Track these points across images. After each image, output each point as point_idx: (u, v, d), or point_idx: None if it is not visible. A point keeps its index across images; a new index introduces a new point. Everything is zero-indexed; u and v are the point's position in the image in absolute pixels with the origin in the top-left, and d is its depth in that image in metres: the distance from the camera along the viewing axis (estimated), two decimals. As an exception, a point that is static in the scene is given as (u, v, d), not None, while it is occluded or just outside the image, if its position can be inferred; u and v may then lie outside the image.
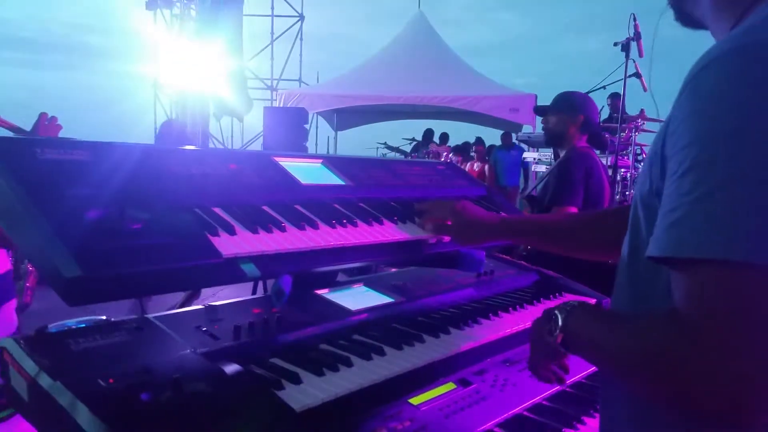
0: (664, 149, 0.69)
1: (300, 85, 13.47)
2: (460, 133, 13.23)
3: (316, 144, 13.64)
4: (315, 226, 1.17)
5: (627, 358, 0.69)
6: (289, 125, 9.44)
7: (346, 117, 13.66)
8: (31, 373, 0.79)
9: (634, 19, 4.85)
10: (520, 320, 1.35)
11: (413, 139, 12.14)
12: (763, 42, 0.63)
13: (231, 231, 1.02)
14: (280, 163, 1.35)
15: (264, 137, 10.18)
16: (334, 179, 1.43)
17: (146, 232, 0.90)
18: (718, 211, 0.58)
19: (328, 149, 13.67)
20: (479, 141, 11.29)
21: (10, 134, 2.01)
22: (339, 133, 14.16)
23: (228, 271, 0.97)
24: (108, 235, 0.85)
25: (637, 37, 4.90)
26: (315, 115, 12.33)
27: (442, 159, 9.22)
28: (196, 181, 1.14)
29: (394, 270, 1.57)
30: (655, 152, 0.73)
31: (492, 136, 12.11)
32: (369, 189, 1.46)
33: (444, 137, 11.68)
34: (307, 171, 1.39)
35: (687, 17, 0.87)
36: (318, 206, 1.26)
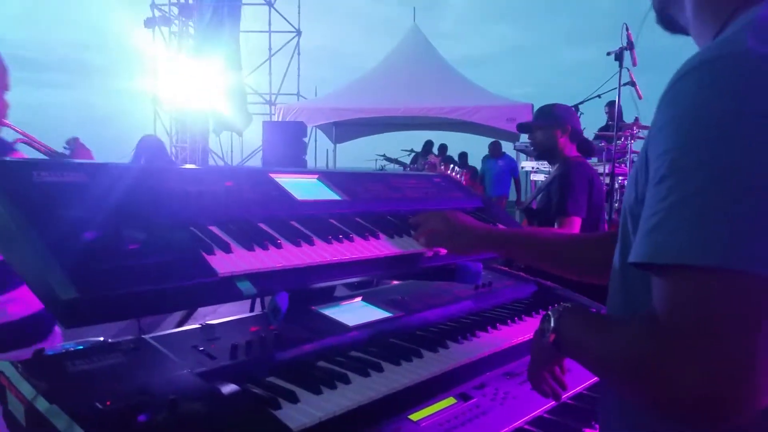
0: (647, 155, 0.71)
1: (298, 99, 13.54)
2: (459, 143, 13.28)
3: (315, 157, 13.70)
4: (311, 242, 1.17)
5: (608, 361, 0.71)
6: (288, 139, 9.48)
7: (344, 130, 13.71)
8: (28, 397, 0.79)
9: (627, 29, 4.88)
10: (518, 332, 1.35)
11: (412, 151, 12.17)
12: (736, 54, 0.64)
13: (227, 249, 1.03)
14: (276, 179, 1.36)
15: (263, 152, 10.21)
16: (329, 194, 1.43)
17: (142, 253, 0.90)
18: (691, 217, 0.60)
19: (327, 162, 13.71)
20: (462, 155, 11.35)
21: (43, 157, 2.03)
22: (338, 145, 14.20)
23: (224, 290, 0.97)
24: (104, 256, 0.85)
25: (630, 46, 4.93)
26: (313, 128, 12.38)
27: (441, 170, 9.22)
28: (192, 199, 1.14)
29: (392, 284, 1.57)
30: (641, 159, 0.74)
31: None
32: (365, 203, 1.46)
33: (442, 149, 11.71)
34: (303, 187, 1.39)
35: (669, 22, 0.88)
36: (314, 222, 1.27)
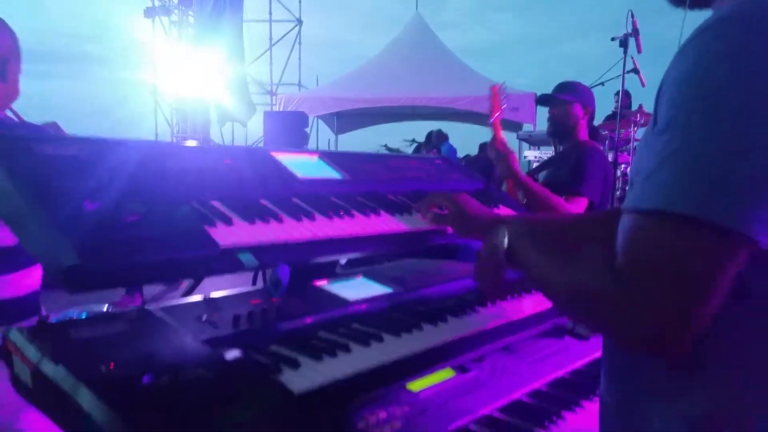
0: (655, 116, 0.71)
1: (299, 89, 13.51)
2: (461, 134, 13.25)
3: (317, 147, 13.67)
4: (312, 218, 1.18)
5: (560, 289, 0.77)
6: (290, 129, 9.48)
7: (346, 120, 13.69)
8: (34, 360, 0.81)
9: (632, 16, 4.85)
10: (518, 308, 1.36)
11: (414, 141, 12.17)
12: (753, 14, 0.64)
13: (228, 222, 1.04)
14: (277, 157, 1.37)
15: (264, 142, 10.21)
16: (330, 173, 1.44)
17: (144, 224, 0.91)
18: (676, 169, 0.63)
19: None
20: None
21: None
22: (339, 136, 14.19)
23: (225, 262, 0.98)
24: (106, 226, 0.86)
25: (635, 33, 4.90)
26: (315, 118, 12.36)
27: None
28: (194, 175, 1.15)
29: (392, 263, 1.58)
30: (650, 122, 0.75)
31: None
32: (366, 182, 1.47)
33: (439, 136, 11.63)
34: (304, 165, 1.40)
35: None
36: (315, 199, 1.28)
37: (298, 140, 9.47)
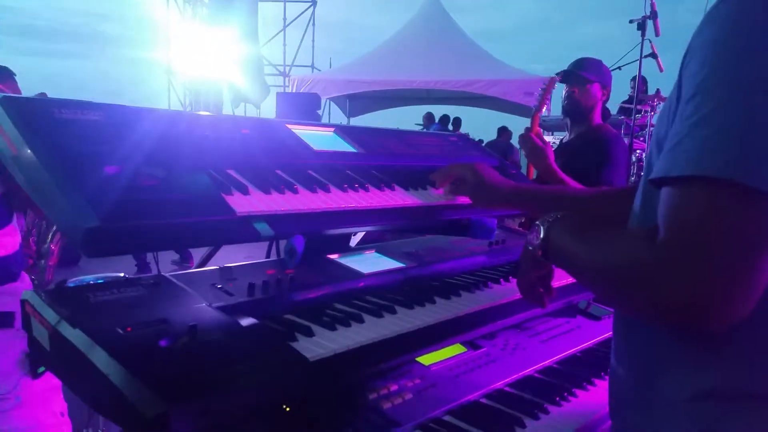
0: (680, 82, 0.70)
1: (312, 71, 13.46)
2: (475, 118, 13.15)
3: (330, 130, 13.63)
4: (327, 190, 1.18)
5: (596, 268, 0.73)
6: (302, 111, 9.44)
7: (359, 103, 13.63)
8: (52, 323, 0.82)
9: (651, -3, 4.77)
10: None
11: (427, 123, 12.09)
12: None
13: (244, 191, 1.04)
14: (293, 130, 1.36)
15: (277, 123, 10.19)
16: (346, 147, 1.43)
17: (162, 189, 0.91)
18: (709, 132, 0.60)
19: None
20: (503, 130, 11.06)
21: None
22: (352, 119, 14.14)
23: (241, 229, 0.98)
24: (125, 189, 0.87)
25: (654, 16, 4.83)
26: (327, 101, 12.31)
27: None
28: (211, 144, 1.15)
29: (405, 239, 1.58)
30: (674, 88, 0.73)
31: (508, 122, 12.00)
32: (381, 157, 1.47)
33: (457, 122, 11.60)
34: (320, 138, 1.40)
35: None
36: (330, 171, 1.27)
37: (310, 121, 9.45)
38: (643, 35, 4.86)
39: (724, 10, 0.66)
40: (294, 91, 11.24)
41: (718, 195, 0.59)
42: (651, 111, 5.81)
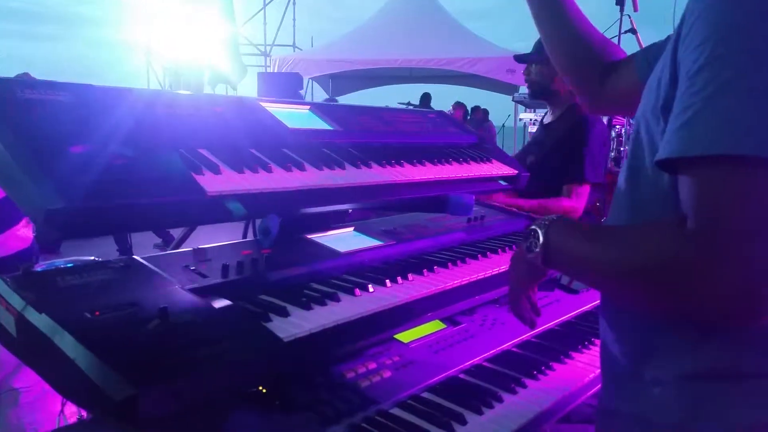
0: (676, 55, 0.66)
1: (294, 51, 13.28)
2: (457, 96, 13.09)
3: (312, 110, 13.51)
4: (302, 168, 1.16)
5: (622, 268, 0.66)
6: (284, 91, 9.35)
7: (341, 82, 13.51)
8: (18, 308, 0.80)
9: (628, -27, 4.75)
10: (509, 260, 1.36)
11: (409, 104, 12.02)
12: None
13: (216, 170, 1.02)
14: (267, 108, 1.34)
15: (258, 103, 10.06)
16: (322, 124, 1.41)
17: (130, 168, 0.89)
18: (730, 105, 0.55)
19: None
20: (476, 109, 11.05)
21: None
22: (335, 98, 14.02)
23: (213, 209, 0.96)
24: (92, 169, 0.84)
25: (631, -10, 4.82)
26: (310, 80, 12.18)
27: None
28: (182, 123, 1.12)
29: (384, 218, 1.57)
30: (664, 63, 0.69)
31: (491, 100, 12.00)
32: (358, 134, 1.45)
33: (426, 98, 11.43)
34: (295, 116, 1.37)
35: None
36: (305, 150, 1.25)
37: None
38: (621, 11, 4.85)
39: None
40: (275, 70, 11.10)
41: (753, 174, 0.54)
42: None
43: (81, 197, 0.78)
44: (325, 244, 1.23)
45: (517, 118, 11.98)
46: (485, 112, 11.45)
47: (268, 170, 1.10)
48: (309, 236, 1.27)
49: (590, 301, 1.55)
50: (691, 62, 0.61)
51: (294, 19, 13.43)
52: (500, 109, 12.98)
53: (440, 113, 1.89)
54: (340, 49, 11.73)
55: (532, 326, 1.05)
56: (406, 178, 1.34)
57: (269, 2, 13.06)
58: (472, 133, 1.82)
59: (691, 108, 0.58)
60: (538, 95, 2.75)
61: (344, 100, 14.47)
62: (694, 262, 0.56)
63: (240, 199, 1.00)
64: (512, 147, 11.19)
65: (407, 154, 1.43)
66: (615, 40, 5.06)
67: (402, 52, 11.08)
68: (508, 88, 11.09)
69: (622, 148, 5.53)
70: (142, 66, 11.56)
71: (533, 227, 0.85)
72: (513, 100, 10.75)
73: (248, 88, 10.83)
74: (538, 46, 2.69)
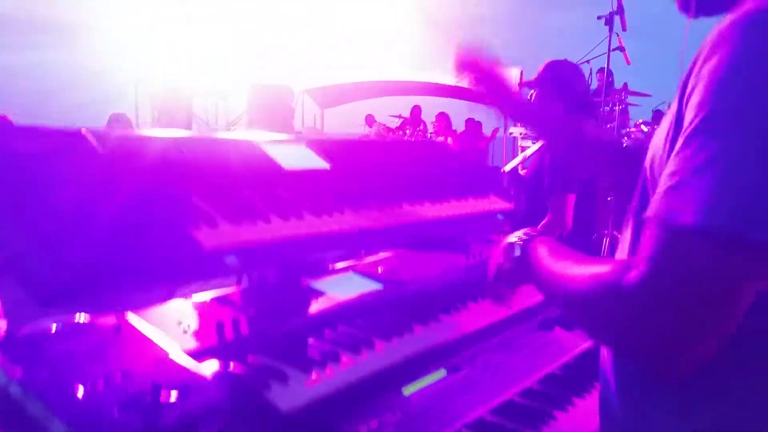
0: (681, 108, 0.66)
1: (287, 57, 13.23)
2: (447, 109, 13.12)
3: (303, 121, 13.46)
4: (300, 215, 1.13)
5: (572, 293, 0.72)
6: (274, 104, 9.31)
7: (332, 94, 13.50)
8: (1, 383, 0.76)
9: (618, -7, 4.79)
10: (508, 303, 1.33)
11: (400, 116, 12.01)
12: None
13: (212, 223, 0.98)
14: (262, 147, 1.30)
15: (248, 116, 10.02)
16: (318, 163, 1.38)
17: (121, 231, 0.85)
18: (708, 185, 0.58)
19: (313, 127, 13.53)
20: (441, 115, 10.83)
21: None
22: (326, 110, 14.01)
23: (210, 266, 0.93)
24: (77, 244, 0.80)
25: (620, 10, 4.86)
26: (301, 92, 12.15)
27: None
28: (175, 168, 1.09)
29: (382, 254, 1.54)
30: (677, 109, 0.69)
31: (482, 112, 12.01)
32: (355, 172, 1.41)
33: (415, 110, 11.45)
34: (291, 155, 1.34)
35: None
36: (302, 193, 1.22)
37: (283, 115, 9.33)
38: (610, 30, 4.88)
39: (731, 39, 0.60)
40: (266, 83, 11.05)
41: (708, 248, 0.57)
42: (619, 105, 5.83)
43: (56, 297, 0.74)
44: (323, 290, 1.20)
45: (507, 132, 12.02)
46: (478, 124, 11.47)
47: (266, 220, 1.06)
48: (306, 281, 1.23)
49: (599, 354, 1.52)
50: (688, 120, 0.62)
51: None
52: (490, 121, 13.00)
53: (439, 144, 1.87)
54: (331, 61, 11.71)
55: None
56: (404, 219, 1.31)
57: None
58: (469, 163, 1.80)
59: (678, 173, 0.61)
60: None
61: (336, 111, 14.48)
62: (633, 297, 0.61)
63: (237, 253, 0.97)
64: (502, 158, 11.22)
65: (405, 192, 1.41)
66: (604, 58, 5.10)
67: (392, 67, 11.11)
68: (498, 101, 11.11)
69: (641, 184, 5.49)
70: (132, 76, 11.44)
71: (511, 242, 0.92)
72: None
73: (240, 98, 10.79)
74: (542, 72, 2.72)
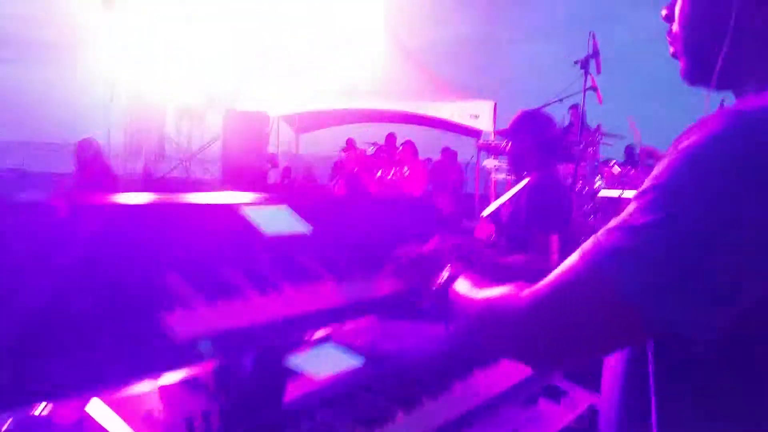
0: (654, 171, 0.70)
1: (262, 85, 13.19)
2: (423, 137, 13.23)
3: (278, 146, 13.39)
4: (279, 289, 1.08)
5: (482, 302, 0.84)
6: (249, 130, 9.24)
7: (308, 120, 13.49)
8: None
9: (593, 37, 4.92)
10: (496, 379, 1.29)
11: (375, 143, 12.04)
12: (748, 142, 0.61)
13: (187, 305, 0.92)
14: (242, 211, 1.25)
15: (223, 143, 9.91)
16: (299, 226, 1.33)
17: (81, 320, 0.78)
18: (632, 244, 0.64)
19: (288, 151, 13.49)
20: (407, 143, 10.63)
21: None
22: (301, 135, 13.98)
23: (184, 355, 0.87)
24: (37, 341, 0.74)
25: (596, 54, 4.99)
26: (277, 118, 12.11)
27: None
28: (147, 241, 1.02)
29: (363, 320, 1.49)
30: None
31: (456, 142, 12.15)
32: (337, 236, 1.37)
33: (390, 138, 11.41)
34: (272, 218, 1.28)
35: (706, 69, 0.77)
36: (283, 261, 1.17)
37: (257, 141, 9.25)
38: (586, 73, 4.99)
39: (717, 131, 0.62)
40: (242, 108, 10.98)
41: (603, 298, 0.65)
42: (592, 147, 5.92)
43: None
44: (301, 368, 1.13)
45: (480, 163, 12.14)
46: (453, 154, 11.55)
47: (244, 297, 1.01)
48: (282, 358, 1.16)
49: (579, 407, 1.48)
50: (646, 181, 0.67)
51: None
52: (465, 151, 13.13)
53: (420, 200, 1.84)
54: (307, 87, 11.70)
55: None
56: (386, 289, 1.26)
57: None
58: (450, 223, 1.77)
59: (615, 221, 0.68)
60: (518, 167, 2.99)
61: (311, 137, 14.46)
62: (523, 306, 0.73)
63: (213, 339, 0.91)
64: (474, 186, 11.31)
65: (388, 255, 1.36)
66: (580, 96, 5.21)
67: (368, 96, 11.17)
68: (472, 133, 11.29)
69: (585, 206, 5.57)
70: (106, 95, 11.22)
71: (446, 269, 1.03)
72: (477, 147, 10.91)
73: (215, 120, 10.68)
74: (515, 121, 2.84)
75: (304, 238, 1.30)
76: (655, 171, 0.67)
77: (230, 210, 1.24)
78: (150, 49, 9.88)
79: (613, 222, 0.68)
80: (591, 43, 4.98)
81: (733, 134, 0.62)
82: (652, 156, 4.76)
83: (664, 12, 0.83)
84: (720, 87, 0.77)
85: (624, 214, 0.67)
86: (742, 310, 0.62)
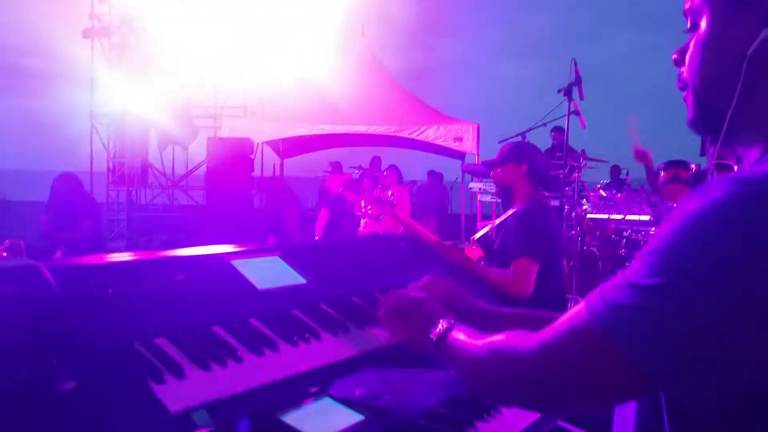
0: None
1: (245, 113, 13.19)
2: (406, 160, 13.29)
3: (262, 171, 13.35)
4: (275, 348, 1.04)
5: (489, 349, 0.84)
6: (234, 156, 9.21)
7: (292, 145, 13.49)
8: None
9: (575, 65, 4.98)
10: (507, 424, 1.25)
11: (360, 167, 12.05)
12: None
13: (179, 373, 0.88)
14: (233, 264, 1.22)
15: (207, 168, 9.86)
16: (292, 277, 1.29)
17: (70, 399, 0.74)
18: (634, 305, 0.64)
19: (274, 175, 13.45)
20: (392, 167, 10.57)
21: None
22: (285, 160, 13.97)
23: (177, 427, 0.83)
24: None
25: (578, 81, 5.05)
26: (261, 144, 12.09)
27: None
28: (135, 302, 0.99)
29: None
30: None
31: (441, 163, 12.23)
32: (330, 285, 1.34)
33: (375, 161, 11.41)
34: (264, 270, 1.25)
35: (712, 124, 0.76)
36: (277, 317, 1.13)
37: (242, 167, 9.22)
38: (569, 100, 5.05)
39: (707, 208, 0.62)
40: (226, 134, 10.96)
41: (606, 357, 0.66)
42: (577, 171, 5.95)
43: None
44: (298, 428, 1.09)
45: (465, 186, 12.20)
46: (439, 176, 11.61)
47: (238, 359, 0.97)
48: (277, 416, 1.12)
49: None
50: (649, 243, 0.68)
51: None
52: (450, 173, 13.21)
53: (412, 241, 1.82)
54: (291, 113, 11.71)
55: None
56: (384, 340, 1.23)
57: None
58: (441, 261, 1.75)
59: (619, 279, 0.68)
60: (505, 195, 3.04)
61: (295, 162, 14.44)
62: (531, 349, 0.75)
63: (207, 407, 0.87)
64: (459, 206, 11.35)
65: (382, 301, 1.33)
66: (563, 120, 5.26)
67: (349, 119, 11.22)
68: (456, 154, 11.36)
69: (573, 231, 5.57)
70: (86, 126, 11.14)
71: (443, 323, 1.02)
72: (462, 169, 10.97)
73: (199, 148, 10.63)
74: (502, 151, 2.88)
75: (297, 290, 1.27)
76: (661, 231, 0.67)
77: (222, 264, 1.21)
78: (133, 77, 9.83)
79: (620, 278, 0.68)
80: (573, 69, 5.05)
81: (735, 202, 0.61)
82: (645, 157, 4.79)
83: (674, 56, 0.82)
84: (726, 145, 0.76)
85: (630, 272, 0.67)
86: (747, 375, 0.61)
